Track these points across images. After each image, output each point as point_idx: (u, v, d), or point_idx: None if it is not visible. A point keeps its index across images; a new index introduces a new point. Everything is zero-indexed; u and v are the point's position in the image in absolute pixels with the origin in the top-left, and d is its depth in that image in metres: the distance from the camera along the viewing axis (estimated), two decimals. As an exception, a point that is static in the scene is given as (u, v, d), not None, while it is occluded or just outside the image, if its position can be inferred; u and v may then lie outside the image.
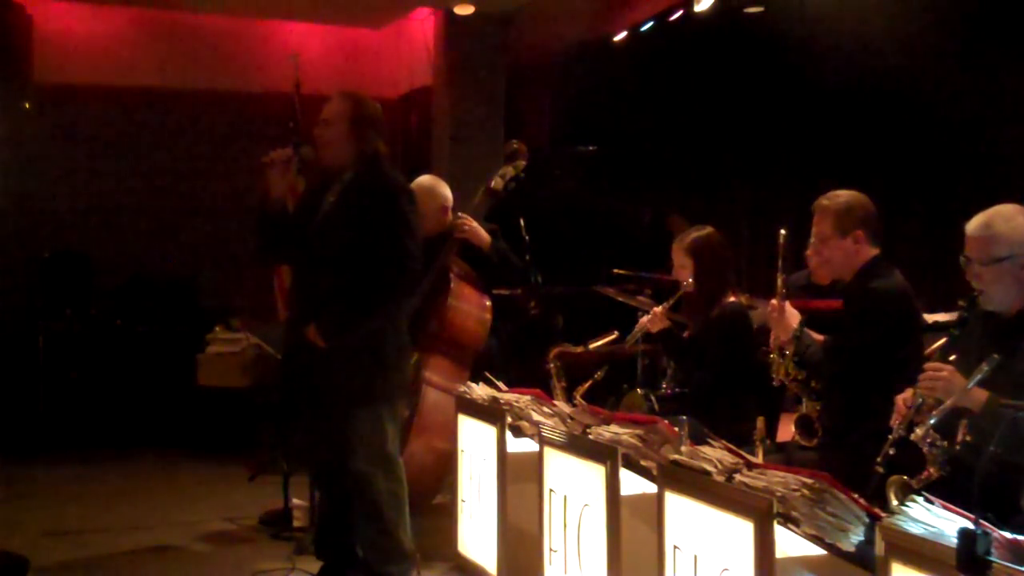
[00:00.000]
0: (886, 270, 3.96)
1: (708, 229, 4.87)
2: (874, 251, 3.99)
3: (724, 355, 4.71)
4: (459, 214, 5.49)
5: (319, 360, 4.20)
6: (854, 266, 3.99)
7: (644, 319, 4.95)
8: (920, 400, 3.23)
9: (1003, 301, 3.31)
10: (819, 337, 4.07)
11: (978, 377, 3.12)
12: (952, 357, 3.36)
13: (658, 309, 4.90)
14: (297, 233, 4.36)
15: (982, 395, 3.12)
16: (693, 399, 4.98)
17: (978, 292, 3.35)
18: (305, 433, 4.47)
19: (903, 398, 3.36)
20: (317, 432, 4.38)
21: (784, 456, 4.01)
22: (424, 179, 5.67)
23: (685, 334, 4.94)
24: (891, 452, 3.26)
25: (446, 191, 5.61)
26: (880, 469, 3.24)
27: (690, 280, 4.79)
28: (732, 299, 4.79)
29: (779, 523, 2.73)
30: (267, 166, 4.41)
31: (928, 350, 4.16)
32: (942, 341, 3.84)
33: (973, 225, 3.32)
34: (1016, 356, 3.20)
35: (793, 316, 4.08)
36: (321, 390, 4.27)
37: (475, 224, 5.41)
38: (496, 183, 5.50)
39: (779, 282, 4.15)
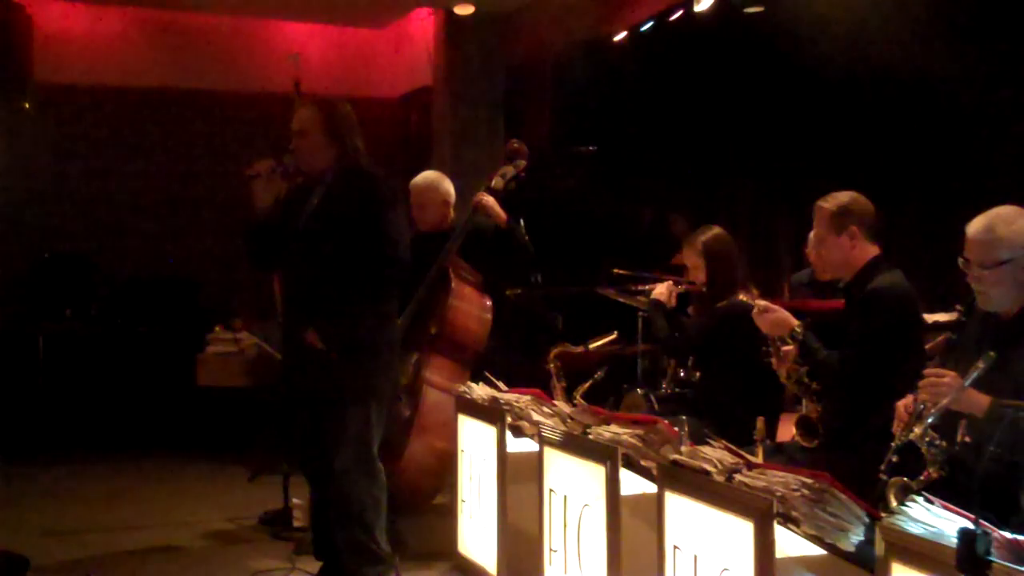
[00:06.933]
0: (887, 269, 3.96)
1: (716, 229, 4.90)
2: (874, 250, 3.98)
3: (727, 353, 4.73)
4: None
5: (315, 358, 4.21)
6: (854, 265, 3.99)
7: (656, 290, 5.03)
8: (921, 406, 3.22)
9: (1004, 302, 3.31)
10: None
11: (974, 375, 3.12)
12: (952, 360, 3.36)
13: (663, 287, 4.96)
14: (284, 238, 4.37)
15: (984, 400, 3.12)
16: (693, 399, 5.00)
17: (977, 293, 3.34)
18: (300, 431, 4.48)
19: (904, 404, 3.36)
20: (310, 430, 4.38)
21: (784, 456, 4.00)
22: (428, 174, 5.68)
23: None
24: (894, 459, 3.26)
25: (449, 187, 5.61)
26: (884, 476, 3.24)
27: (696, 280, 4.84)
28: (741, 297, 4.80)
29: (779, 523, 2.73)
30: (251, 178, 4.42)
31: (929, 346, 4.17)
32: (941, 338, 3.84)
33: (974, 228, 3.31)
34: (1016, 356, 3.20)
35: (786, 318, 4.08)
36: (316, 387, 4.28)
37: (493, 200, 5.41)
38: (496, 182, 5.49)
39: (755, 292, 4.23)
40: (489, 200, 5.41)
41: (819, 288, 5.34)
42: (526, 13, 8.67)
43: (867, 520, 2.69)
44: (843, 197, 4.00)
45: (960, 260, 3.35)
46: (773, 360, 4.21)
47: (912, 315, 3.96)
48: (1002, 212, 3.30)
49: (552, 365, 5.73)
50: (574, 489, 3.72)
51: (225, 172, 8.97)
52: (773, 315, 4.13)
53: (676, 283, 5.04)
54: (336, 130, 4.34)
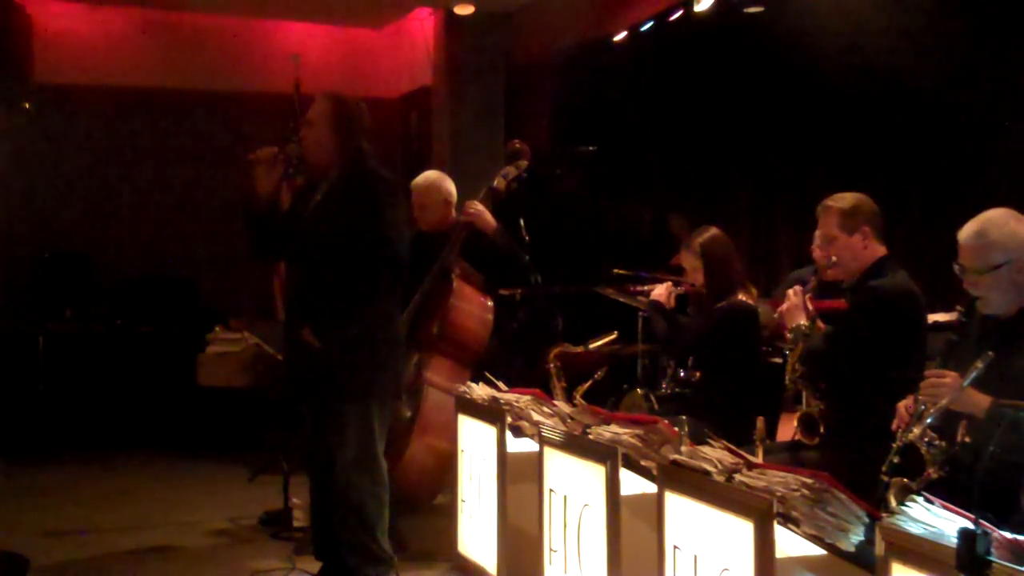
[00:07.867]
0: (891, 269, 3.96)
1: (712, 230, 4.90)
2: (882, 250, 3.99)
3: (727, 353, 4.73)
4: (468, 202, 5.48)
5: (314, 357, 4.22)
6: (863, 264, 3.99)
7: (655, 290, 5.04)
8: (922, 407, 3.22)
9: (1002, 305, 3.31)
10: (822, 325, 4.08)
11: (973, 375, 3.12)
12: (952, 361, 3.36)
13: (662, 288, 4.97)
14: (289, 232, 4.38)
15: (984, 400, 3.12)
16: (693, 399, 5.00)
17: (977, 298, 3.35)
18: (305, 429, 4.49)
19: (905, 404, 3.36)
20: (313, 429, 4.38)
21: (787, 455, 4.01)
22: (430, 173, 5.69)
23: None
24: (896, 460, 3.26)
25: (450, 186, 5.61)
26: (885, 477, 3.24)
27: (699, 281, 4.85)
28: (740, 297, 4.81)
29: (779, 523, 2.73)
30: (252, 164, 4.43)
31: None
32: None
33: (966, 234, 3.31)
34: (1015, 356, 3.20)
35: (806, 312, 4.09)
36: (316, 386, 4.28)
37: (482, 208, 5.41)
38: (499, 183, 5.50)
39: (812, 281, 4.16)
40: (477, 209, 5.39)
41: (822, 291, 5.33)
42: (526, 13, 8.67)
43: (867, 520, 2.69)
44: (852, 197, 4.01)
45: (956, 266, 3.35)
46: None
47: (913, 315, 3.96)
48: (992, 216, 3.30)
49: (552, 365, 5.73)
50: (574, 489, 3.72)
51: (225, 172, 8.96)
52: (792, 304, 4.12)
53: (675, 284, 5.05)
54: (343, 127, 4.36)
